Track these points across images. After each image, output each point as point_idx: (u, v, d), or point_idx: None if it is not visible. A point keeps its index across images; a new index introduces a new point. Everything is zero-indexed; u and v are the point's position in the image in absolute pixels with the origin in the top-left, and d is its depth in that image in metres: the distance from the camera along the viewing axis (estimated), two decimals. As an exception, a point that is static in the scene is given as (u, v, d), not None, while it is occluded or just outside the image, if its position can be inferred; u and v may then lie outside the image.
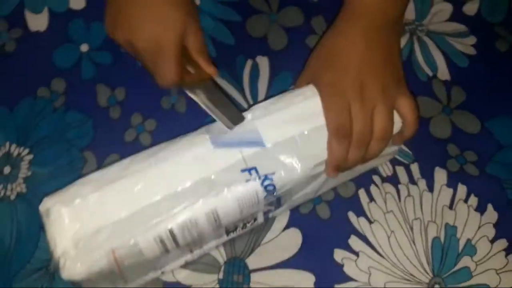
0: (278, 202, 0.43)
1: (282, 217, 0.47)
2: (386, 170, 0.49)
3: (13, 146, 0.51)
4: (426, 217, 0.47)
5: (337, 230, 0.47)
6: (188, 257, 0.44)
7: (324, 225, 0.47)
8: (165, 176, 0.38)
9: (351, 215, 0.47)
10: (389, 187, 0.49)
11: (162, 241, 0.37)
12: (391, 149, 0.45)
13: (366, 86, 0.40)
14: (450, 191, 0.48)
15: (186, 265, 0.45)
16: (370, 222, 0.47)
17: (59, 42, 0.55)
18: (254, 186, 0.39)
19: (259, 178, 0.39)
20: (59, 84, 0.53)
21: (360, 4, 0.43)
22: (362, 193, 0.48)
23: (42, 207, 0.38)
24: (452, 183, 0.48)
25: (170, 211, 0.37)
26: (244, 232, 0.45)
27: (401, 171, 0.49)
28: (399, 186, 0.49)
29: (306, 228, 0.47)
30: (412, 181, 0.49)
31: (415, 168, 0.50)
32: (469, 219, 0.47)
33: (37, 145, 0.51)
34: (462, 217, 0.47)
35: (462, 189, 0.48)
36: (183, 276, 0.44)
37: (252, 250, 0.46)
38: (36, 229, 0.47)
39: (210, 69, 0.43)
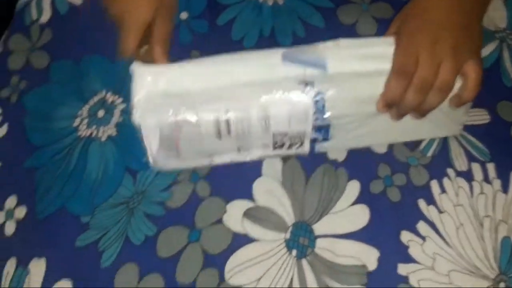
0: (326, 132, 0.45)
1: (352, 191, 0.48)
2: (461, 164, 0.49)
3: (109, 94, 0.55)
4: (497, 216, 0.47)
5: (406, 213, 0.47)
6: (234, 156, 0.47)
7: (393, 207, 0.48)
8: (236, 70, 0.44)
9: (421, 202, 0.48)
10: (462, 182, 0.49)
11: (218, 124, 0.43)
12: (452, 115, 0.46)
13: (440, 39, 0.42)
14: (525, 194, 0.48)
15: (255, 220, 0.47)
16: (440, 212, 0.47)
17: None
18: (305, 99, 0.43)
19: (312, 92, 0.43)
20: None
21: None
22: (434, 183, 0.49)
23: (133, 66, 0.44)
24: (527, 187, 0.48)
25: (232, 101, 0.43)
26: (290, 152, 0.47)
27: (476, 168, 0.49)
28: (473, 182, 0.49)
29: (375, 206, 0.48)
30: (487, 179, 0.49)
31: (491, 167, 0.49)
32: (543, 224, 0.46)
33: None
34: (536, 221, 0.46)
35: (538, 194, 0.48)
36: (251, 229, 0.46)
37: (320, 217, 0.47)
38: (121, 169, 0.50)
39: (160, 60, 0.46)
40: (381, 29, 0.57)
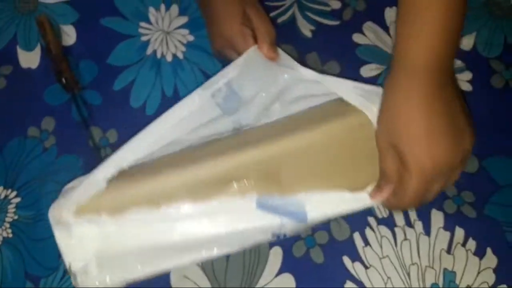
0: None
1: (275, 261, 0.46)
2: (382, 211, 0.48)
3: (0, 188, 0.50)
4: (423, 262, 0.46)
5: (332, 275, 0.46)
6: None
7: (318, 269, 0.46)
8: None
9: (346, 260, 0.46)
10: (384, 230, 0.47)
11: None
12: None
13: (432, 166, 0.38)
14: (447, 234, 0.47)
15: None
16: (366, 267, 0.46)
17: (50, 80, 0.55)
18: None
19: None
20: (49, 123, 0.53)
21: (417, 59, 0.39)
22: (357, 236, 0.47)
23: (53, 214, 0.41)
24: (449, 225, 0.47)
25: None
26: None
27: (397, 213, 0.48)
28: (395, 229, 0.47)
29: (300, 273, 0.46)
30: (408, 223, 0.48)
31: (411, 209, 0.48)
32: (468, 264, 0.46)
33: (25, 187, 0.50)
34: (461, 262, 0.46)
35: (459, 232, 0.47)
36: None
37: (245, 298, 0.44)
38: (21, 277, 0.46)
39: (270, 55, 0.46)
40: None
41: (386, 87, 0.41)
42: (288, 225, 0.42)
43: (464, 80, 0.55)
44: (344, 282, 0.45)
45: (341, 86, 0.43)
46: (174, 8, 0.58)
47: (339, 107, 0.44)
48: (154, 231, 0.41)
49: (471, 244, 0.46)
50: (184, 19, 0.58)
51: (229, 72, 0.44)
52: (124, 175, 0.41)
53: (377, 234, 0.47)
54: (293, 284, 0.45)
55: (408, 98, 0.39)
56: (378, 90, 0.42)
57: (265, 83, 0.46)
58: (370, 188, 0.42)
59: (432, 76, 0.39)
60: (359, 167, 0.43)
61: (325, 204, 0.42)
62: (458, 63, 0.56)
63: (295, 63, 0.45)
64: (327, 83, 0.44)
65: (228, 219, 0.41)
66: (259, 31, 0.47)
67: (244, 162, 0.41)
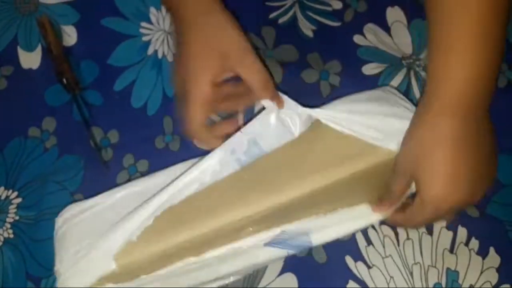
0: None
1: (277, 262, 0.46)
2: (384, 211, 0.48)
3: (1, 189, 0.50)
4: (426, 262, 0.46)
5: (334, 275, 0.45)
6: None
7: (321, 269, 0.46)
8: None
9: (349, 260, 0.46)
10: (387, 230, 0.47)
11: None
12: None
13: (447, 207, 0.39)
14: (450, 233, 0.47)
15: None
16: (369, 267, 0.46)
17: (51, 80, 0.55)
18: None
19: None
20: (50, 123, 0.52)
21: (449, 94, 0.38)
22: (359, 236, 0.47)
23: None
24: (451, 225, 0.47)
25: None
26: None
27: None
28: (398, 228, 0.47)
29: (302, 273, 0.45)
30: (411, 222, 0.47)
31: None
32: (471, 263, 0.45)
33: (26, 187, 0.49)
34: (464, 261, 0.46)
35: (462, 232, 0.47)
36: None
37: (247, 297, 0.44)
38: (22, 277, 0.45)
39: (279, 105, 0.43)
40: (287, 73, 0.54)
41: (417, 113, 0.41)
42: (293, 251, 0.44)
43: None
44: (347, 282, 0.45)
45: (354, 125, 0.42)
46: (175, 9, 0.58)
47: (356, 143, 0.43)
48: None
49: (474, 243, 0.46)
50: (185, 19, 0.58)
51: (251, 130, 0.43)
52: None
53: (379, 233, 0.47)
54: (296, 283, 0.45)
55: (437, 136, 0.38)
56: (397, 125, 0.42)
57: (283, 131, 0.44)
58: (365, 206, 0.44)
59: (465, 116, 0.38)
60: (359, 187, 0.44)
61: (329, 227, 0.44)
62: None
63: (299, 106, 0.43)
64: (337, 124, 0.43)
65: (239, 260, 0.42)
66: (255, 88, 0.43)
67: (267, 209, 0.40)
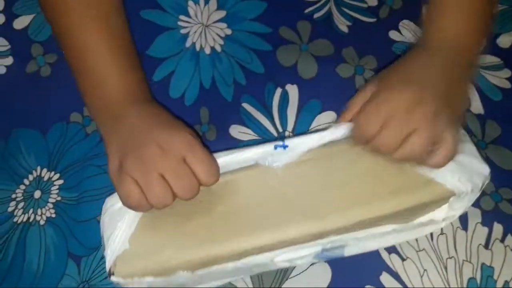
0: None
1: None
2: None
3: (44, 170, 0.51)
4: (460, 256, 0.46)
5: (368, 266, 0.45)
6: None
7: (354, 260, 0.46)
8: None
9: (383, 251, 0.46)
10: (421, 225, 0.47)
11: None
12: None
13: (419, 103, 0.39)
14: (485, 230, 0.47)
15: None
16: (403, 259, 0.46)
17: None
18: None
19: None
20: (91, 110, 0.54)
21: (444, 38, 0.45)
22: (393, 229, 0.47)
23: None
24: (487, 221, 0.47)
25: None
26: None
27: (434, 207, 0.48)
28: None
29: (336, 263, 0.46)
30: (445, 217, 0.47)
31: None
32: (506, 259, 0.45)
33: (67, 170, 0.51)
34: (499, 257, 0.45)
35: (498, 228, 0.47)
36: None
37: (280, 284, 0.45)
38: (64, 255, 0.47)
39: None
40: (322, 67, 0.55)
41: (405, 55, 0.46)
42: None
43: (503, 77, 0.55)
44: (380, 274, 0.45)
45: None
46: (213, 2, 0.59)
47: (410, 175, 0.42)
48: None
49: (510, 240, 0.46)
50: (222, 13, 0.59)
51: None
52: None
53: (413, 227, 0.47)
54: (329, 273, 0.45)
55: (421, 60, 0.44)
56: None
57: None
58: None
59: (454, 55, 0.44)
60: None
61: (363, 241, 0.44)
62: (497, 60, 0.56)
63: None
64: None
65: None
66: (200, 177, 0.39)
67: (309, 233, 0.41)
